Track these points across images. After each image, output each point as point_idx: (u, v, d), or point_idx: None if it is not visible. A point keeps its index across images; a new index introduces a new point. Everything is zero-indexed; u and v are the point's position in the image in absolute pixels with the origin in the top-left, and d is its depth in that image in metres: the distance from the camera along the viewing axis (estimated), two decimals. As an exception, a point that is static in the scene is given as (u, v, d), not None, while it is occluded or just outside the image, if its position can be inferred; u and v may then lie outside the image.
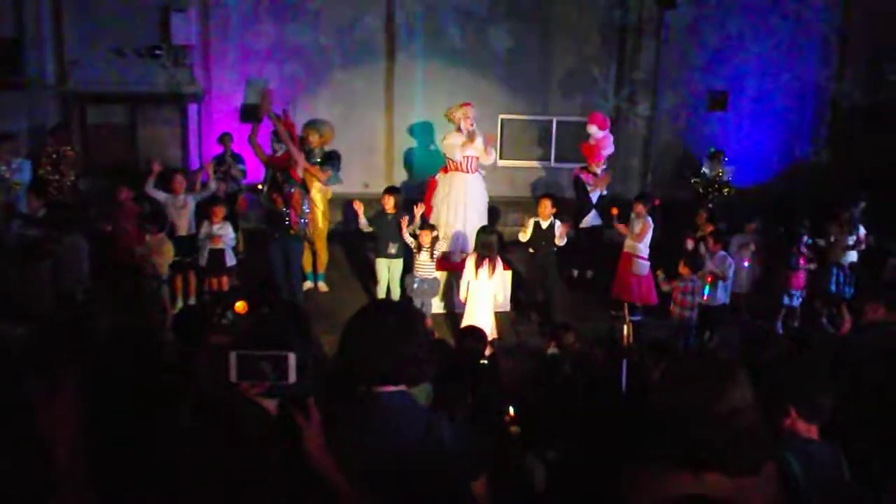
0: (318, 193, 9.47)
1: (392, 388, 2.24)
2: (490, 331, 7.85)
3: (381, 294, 8.72)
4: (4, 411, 1.73)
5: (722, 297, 8.45)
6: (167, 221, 8.64)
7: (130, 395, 2.75)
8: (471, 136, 9.38)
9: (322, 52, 12.94)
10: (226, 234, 8.73)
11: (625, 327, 4.98)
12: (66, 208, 9.07)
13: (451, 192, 9.48)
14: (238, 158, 10.91)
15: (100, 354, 3.20)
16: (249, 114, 12.59)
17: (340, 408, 2.19)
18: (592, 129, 10.90)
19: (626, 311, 5.70)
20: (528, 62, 13.34)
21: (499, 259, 8.11)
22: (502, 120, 13.65)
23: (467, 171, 9.52)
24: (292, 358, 2.10)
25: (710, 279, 8.26)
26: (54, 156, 10.29)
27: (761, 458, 2.01)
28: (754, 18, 13.59)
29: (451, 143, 9.41)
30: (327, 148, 9.77)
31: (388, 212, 8.76)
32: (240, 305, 6.76)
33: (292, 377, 2.07)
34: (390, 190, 9.19)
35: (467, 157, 9.45)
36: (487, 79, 13.33)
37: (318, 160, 9.47)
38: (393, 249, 8.68)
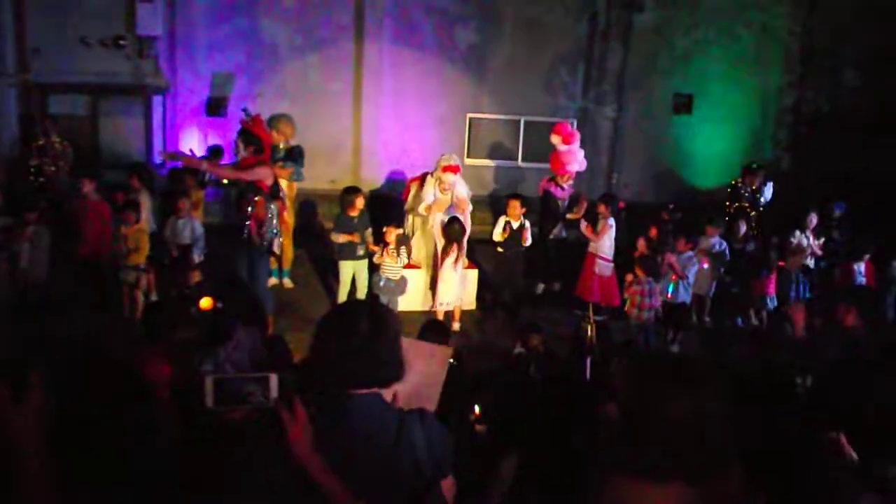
0: (285, 189, 9.40)
1: (364, 390, 2.24)
2: (458, 299, 8.70)
3: (344, 297, 8.67)
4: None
5: (684, 295, 8.62)
6: (140, 212, 8.50)
7: (97, 395, 2.71)
8: (437, 204, 9.05)
9: (289, 47, 12.86)
10: (190, 228, 8.65)
11: (588, 327, 5.03)
12: (31, 200, 8.87)
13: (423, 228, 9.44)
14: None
15: (66, 352, 3.15)
16: (215, 108, 12.48)
17: (312, 410, 2.18)
18: (555, 140, 10.41)
19: (591, 312, 5.75)
20: (496, 62, 13.40)
21: (463, 249, 8.61)
22: (470, 119, 13.70)
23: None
24: (274, 379, 2.05)
25: (674, 278, 8.49)
26: (42, 146, 10.11)
27: (725, 466, 1.99)
28: (720, 24, 13.80)
29: (422, 197, 9.22)
30: (292, 143, 9.70)
31: (353, 214, 8.66)
32: (205, 302, 6.72)
33: (273, 397, 2.04)
34: (354, 191, 9.00)
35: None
36: (456, 77, 13.37)
37: (281, 157, 9.43)
38: (361, 251, 8.61)
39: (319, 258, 10.77)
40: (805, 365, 5.23)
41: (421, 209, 9.13)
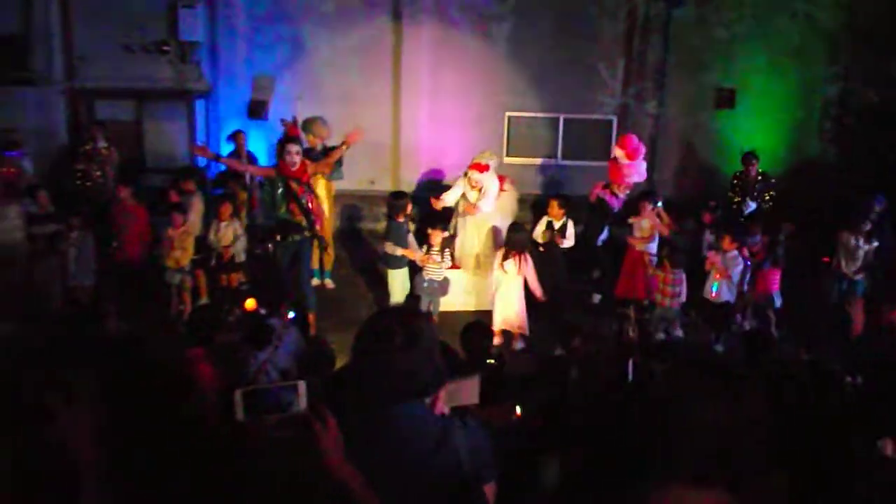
0: (324, 190, 9.50)
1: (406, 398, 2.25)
2: (519, 325, 8.20)
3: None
4: (20, 415, 1.74)
5: (727, 295, 8.48)
6: (187, 215, 8.65)
7: (144, 397, 2.76)
8: (466, 202, 9.08)
9: (329, 50, 12.95)
10: (233, 231, 8.79)
11: (631, 328, 4.99)
12: (75, 205, 9.09)
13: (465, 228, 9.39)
14: (251, 157, 10.97)
15: (110, 356, 3.22)
16: (257, 110, 12.63)
17: (352, 420, 2.19)
18: (618, 154, 10.00)
19: (633, 312, 5.71)
20: (535, 59, 13.31)
21: (528, 255, 8.16)
22: (509, 117, 13.65)
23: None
24: (302, 386, 2.06)
25: (718, 276, 8.36)
26: (89, 151, 10.34)
27: (768, 472, 1.97)
28: (762, 16, 13.54)
29: (452, 191, 9.28)
30: (328, 143, 9.77)
31: (401, 220, 8.59)
32: (249, 303, 6.83)
33: (303, 405, 2.04)
34: (403, 195, 8.93)
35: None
36: (494, 76, 13.32)
37: (317, 158, 9.44)
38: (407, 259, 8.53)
39: (360, 259, 10.86)
40: (855, 365, 5.13)
41: (441, 203, 9.12)
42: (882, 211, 10.01)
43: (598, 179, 12.50)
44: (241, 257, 8.90)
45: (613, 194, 10.04)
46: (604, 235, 9.91)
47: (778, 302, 8.83)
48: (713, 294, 8.47)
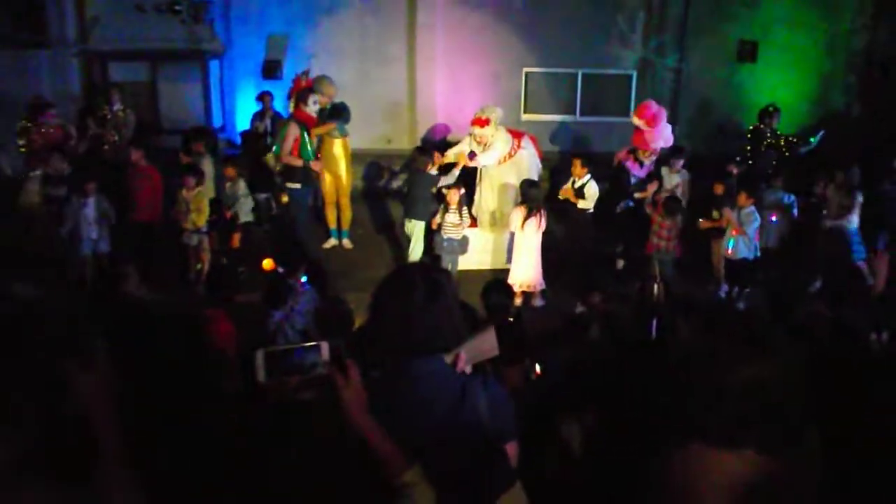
0: (340, 149, 9.47)
1: (426, 355, 2.22)
2: (536, 283, 8.18)
3: (419, 255, 8.65)
4: (36, 382, 1.70)
5: (745, 251, 8.38)
6: (203, 176, 8.62)
7: (163, 361, 2.75)
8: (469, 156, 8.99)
9: (344, 8, 12.77)
10: (236, 192, 8.83)
11: (655, 286, 4.93)
12: (89, 168, 9.07)
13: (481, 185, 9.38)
14: (278, 115, 10.96)
15: (129, 320, 3.20)
16: (271, 70, 12.52)
17: (372, 376, 2.16)
18: (638, 123, 9.70)
19: (657, 270, 5.63)
20: (552, 13, 13.06)
21: (544, 211, 8.11)
22: (526, 73, 13.45)
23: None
24: (325, 347, 2.02)
25: (734, 232, 8.28)
26: (104, 115, 10.31)
27: (799, 433, 1.92)
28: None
29: (457, 147, 9.20)
30: (336, 100, 9.77)
31: (426, 171, 8.69)
32: (267, 263, 6.82)
33: (326, 366, 2.00)
34: (426, 149, 9.16)
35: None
36: (511, 32, 13.11)
37: (326, 115, 9.52)
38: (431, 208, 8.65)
39: (377, 218, 10.80)
40: (882, 320, 5.04)
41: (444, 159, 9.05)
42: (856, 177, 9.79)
43: (618, 135, 12.34)
44: (245, 217, 8.93)
45: (637, 161, 9.73)
46: (623, 205, 9.55)
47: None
48: (729, 251, 8.41)
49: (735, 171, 9.89)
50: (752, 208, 8.39)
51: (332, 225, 9.73)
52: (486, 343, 2.41)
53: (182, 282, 8.50)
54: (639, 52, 13.49)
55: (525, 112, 13.34)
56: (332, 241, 9.73)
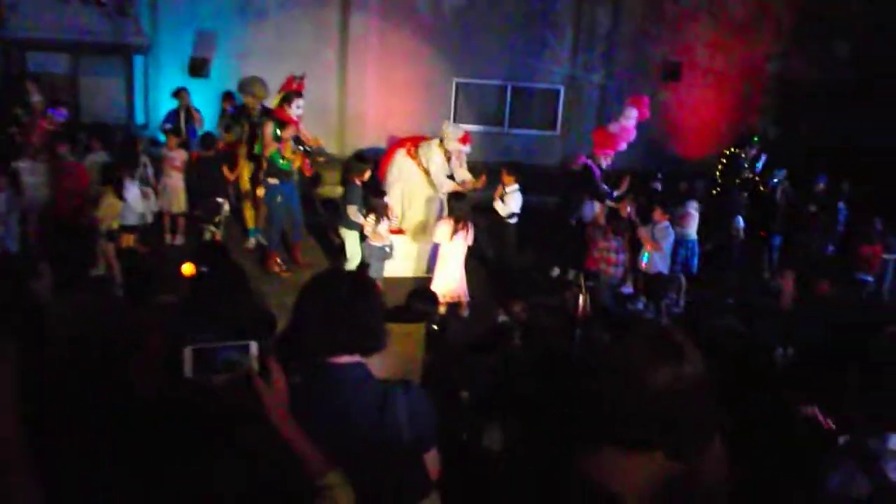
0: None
1: (347, 360, 2.22)
2: (461, 293, 8.15)
3: (353, 265, 8.58)
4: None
5: (660, 266, 8.61)
6: (116, 176, 8.39)
7: (77, 363, 2.67)
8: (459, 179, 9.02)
9: (277, 8, 12.63)
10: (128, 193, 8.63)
11: (580, 297, 5.03)
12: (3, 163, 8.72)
13: (405, 181, 9.33)
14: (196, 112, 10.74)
15: (39, 319, 3.10)
16: (199, 67, 12.27)
17: (294, 380, 2.15)
18: (632, 114, 9.87)
19: (582, 280, 5.75)
20: (483, 26, 13.22)
21: (471, 224, 8.16)
22: (457, 83, 13.57)
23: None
24: (254, 346, 2.00)
25: (649, 248, 8.48)
26: (23, 107, 9.90)
27: (706, 438, 1.99)
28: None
29: (436, 165, 9.04)
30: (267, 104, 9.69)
31: (358, 183, 8.64)
32: (186, 268, 6.65)
33: (254, 366, 1.99)
34: (367, 160, 9.19)
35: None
36: (442, 41, 13.21)
37: (256, 120, 9.41)
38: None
39: (305, 221, 10.68)
40: (788, 335, 5.27)
41: (449, 185, 8.89)
42: (823, 190, 10.25)
43: (545, 148, 12.60)
44: (134, 220, 8.73)
45: (597, 165, 9.89)
46: (590, 210, 9.61)
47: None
48: (643, 265, 8.62)
49: (659, 187, 10.18)
50: (667, 223, 8.62)
51: (251, 224, 9.65)
52: (406, 374, 2.43)
53: (102, 282, 8.25)
54: (567, 68, 13.77)
55: (455, 122, 13.43)
56: (252, 241, 9.64)
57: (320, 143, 9.49)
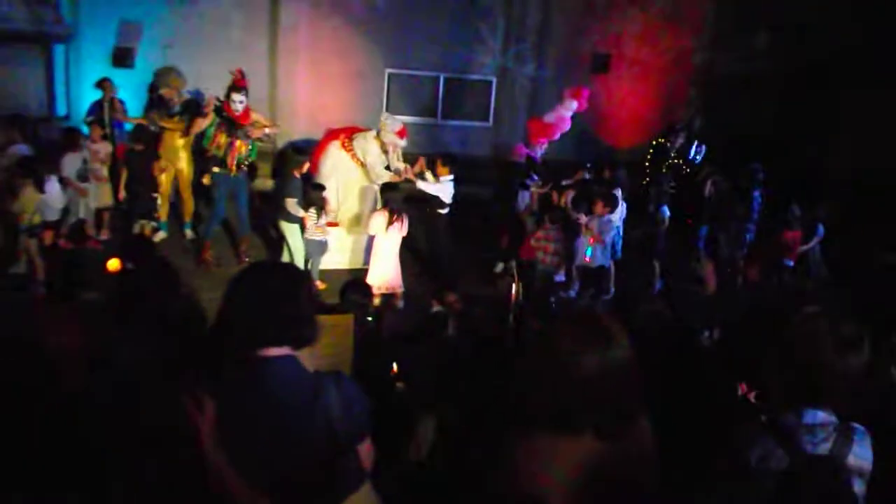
0: (181, 140, 9.34)
1: (278, 352, 2.20)
2: (396, 284, 8.11)
3: (301, 262, 8.46)
4: None
5: (602, 259, 8.67)
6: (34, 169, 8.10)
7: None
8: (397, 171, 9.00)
9: (203, -3, 12.35)
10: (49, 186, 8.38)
11: (513, 286, 5.08)
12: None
13: (340, 173, 9.30)
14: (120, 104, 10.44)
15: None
16: (122, 57, 11.92)
17: (225, 373, 2.12)
18: (571, 106, 10.12)
19: (515, 270, 5.81)
20: (415, 16, 13.19)
21: (405, 215, 8.14)
22: (389, 74, 13.51)
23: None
24: None
25: (592, 241, 8.53)
26: None
27: (634, 419, 2.05)
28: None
29: (372, 157, 9.01)
30: (185, 94, 9.68)
31: (297, 175, 8.54)
32: (112, 263, 6.48)
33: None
34: (305, 152, 9.29)
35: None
36: (374, 31, 13.13)
37: (177, 110, 9.38)
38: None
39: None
40: (713, 319, 5.44)
41: (387, 176, 8.86)
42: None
43: (477, 139, 12.66)
44: (54, 216, 8.50)
45: (533, 152, 10.14)
46: (522, 199, 9.82)
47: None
48: (587, 258, 8.62)
49: (587, 176, 10.31)
50: (609, 216, 8.70)
51: (163, 218, 9.60)
52: (338, 365, 2.43)
53: (21, 279, 7.97)
54: (499, 59, 13.86)
55: (387, 112, 13.39)
56: (162, 234, 9.51)
57: (276, 127, 9.59)
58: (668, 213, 10.13)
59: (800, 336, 2.20)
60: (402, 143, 9.03)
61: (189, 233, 9.77)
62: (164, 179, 9.42)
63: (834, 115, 12.74)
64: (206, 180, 9.15)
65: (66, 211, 8.84)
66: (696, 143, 10.95)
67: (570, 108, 10.23)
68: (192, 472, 2.05)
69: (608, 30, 14.03)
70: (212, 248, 9.03)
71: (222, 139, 8.75)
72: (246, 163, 8.97)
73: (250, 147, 8.95)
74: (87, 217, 9.34)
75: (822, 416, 2.18)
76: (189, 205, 9.70)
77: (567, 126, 10.30)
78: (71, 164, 8.89)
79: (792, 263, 9.27)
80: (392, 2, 13.11)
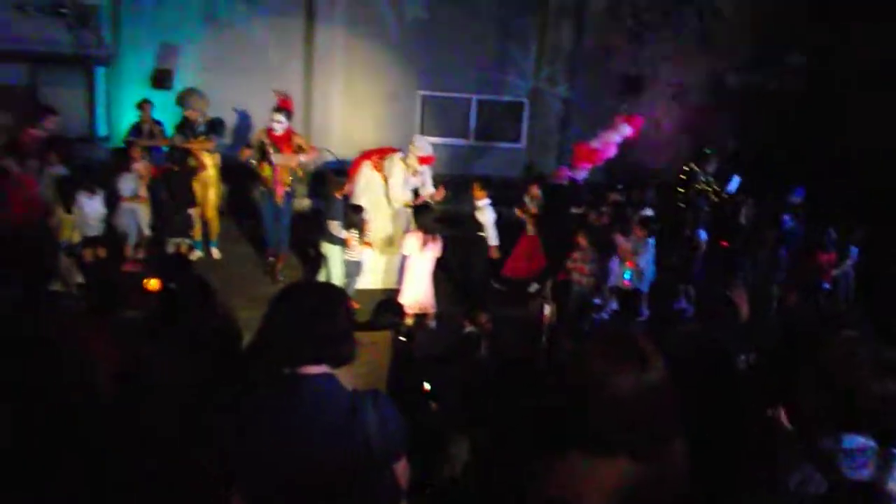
0: (209, 159, 9.63)
1: (316, 370, 2.23)
2: (429, 305, 8.19)
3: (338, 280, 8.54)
4: None
5: (637, 281, 8.58)
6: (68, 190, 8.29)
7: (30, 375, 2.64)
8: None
9: (241, 22, 12.58)
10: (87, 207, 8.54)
11: (546, 307, 5.07)
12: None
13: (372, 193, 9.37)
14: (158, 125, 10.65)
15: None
16: (161, 80, 12.17)
17: (263, 390, 2.16)
18: (625, 131, 10.20)
19: (549, 291, 5.80)
20: (449, 39, 13.30)
21: (440, 236, 8.19)
22: (422, 96, 13.63)
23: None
24: None
25: (631, 264, 8.48)
26: None
27: (669, 442, 2.04)
28: (668, 6, 13.94)
29: (394, 177, 9.10)
30: (210, 116, 9.95)
31: (339, 196, 8.68)
32: (152, 283, 6.58)
33: None
34: (344, 174, 9.27)
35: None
36: (408, 54, 13.26)
37: (202, 129, 9.65)
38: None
39: (248, 231, 10.68)
40: (749, 343, 5.37)
41: (404, 199, 9.01)
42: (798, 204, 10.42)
43: (509, 161, 12.71)
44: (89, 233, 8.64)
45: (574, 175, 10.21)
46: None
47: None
48: (626, 282, 8.50)
49: (619, 198, 10.30)
50: (650, 240, 8.63)
51: (197, 237, 9.77)
52: (374, 383, 2.46)
53: (62, 294, 8.11)
54: (530, 80, 13.91)
55: (421, 134, 13.49)
56: (198, 253, 9.74)
57: (317, 153, 9.92)
58: (704, 236, 10.05)
59: (836, 359, 2.18)
60: (422, 169, 9.06)
61: (216, 252, 9.92)
62: (202, 195, 9.61)
63: (863, 137, 12.57)
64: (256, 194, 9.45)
65: (108, 226, 8.94)
66: (731, 175, 10.86)
67: (621, 133, 10.21)
68: (213, 486, 2.08)
69: (640, 52, 14.02)
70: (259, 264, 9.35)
71: (266, 171, 9.00)
72: (289, 188, 9.22)
73: (292, 176, 9.21)
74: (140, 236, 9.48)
75: (860, 440, 2.15)
76: (215, 224, 9.90)
77: (613, 153, 10.27)
78: (125, 183, 9.07)
79: (828, 286, 9.15)
80: (425, 25, 13.24)
